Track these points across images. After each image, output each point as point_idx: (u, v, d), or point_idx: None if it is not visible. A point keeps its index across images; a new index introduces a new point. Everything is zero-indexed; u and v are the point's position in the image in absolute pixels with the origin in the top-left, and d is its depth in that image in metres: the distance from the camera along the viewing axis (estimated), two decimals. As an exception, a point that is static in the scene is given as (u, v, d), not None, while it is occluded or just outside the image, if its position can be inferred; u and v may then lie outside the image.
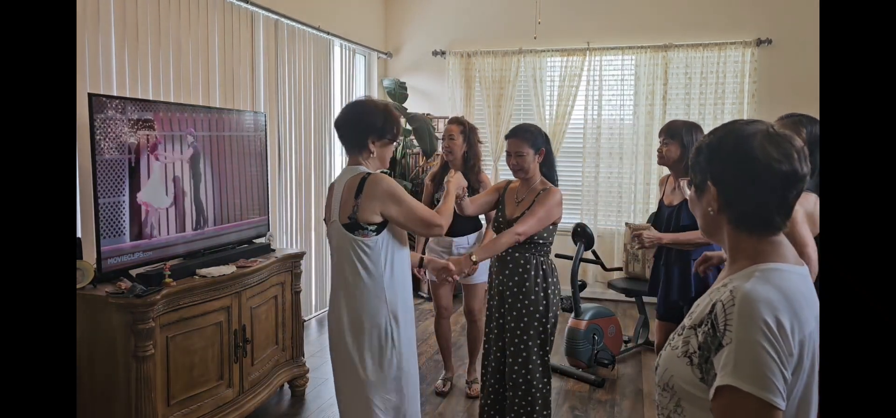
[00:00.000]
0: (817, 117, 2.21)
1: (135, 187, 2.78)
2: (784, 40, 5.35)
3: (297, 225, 4.87)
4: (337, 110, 5.47)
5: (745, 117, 4.74)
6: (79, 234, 2.91)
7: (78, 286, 2.61)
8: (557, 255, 3.69)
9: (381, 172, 2.24)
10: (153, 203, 2.88)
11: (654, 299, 3.29)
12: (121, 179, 2.71)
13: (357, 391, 2.22)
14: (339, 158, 5.59)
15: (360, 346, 2.20)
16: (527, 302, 2.72)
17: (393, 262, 2.22)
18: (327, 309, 2.35)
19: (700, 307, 1.14)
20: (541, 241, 2.72)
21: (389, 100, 5.87)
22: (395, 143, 2.31)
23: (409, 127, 5.74)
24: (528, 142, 2.70)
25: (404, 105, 5.97)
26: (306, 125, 4.96)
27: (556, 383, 3.96)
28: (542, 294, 2.72)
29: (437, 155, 5.87)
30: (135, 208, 2.78)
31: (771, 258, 1.11)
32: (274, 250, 3.61)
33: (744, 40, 5.41)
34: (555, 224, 2.73)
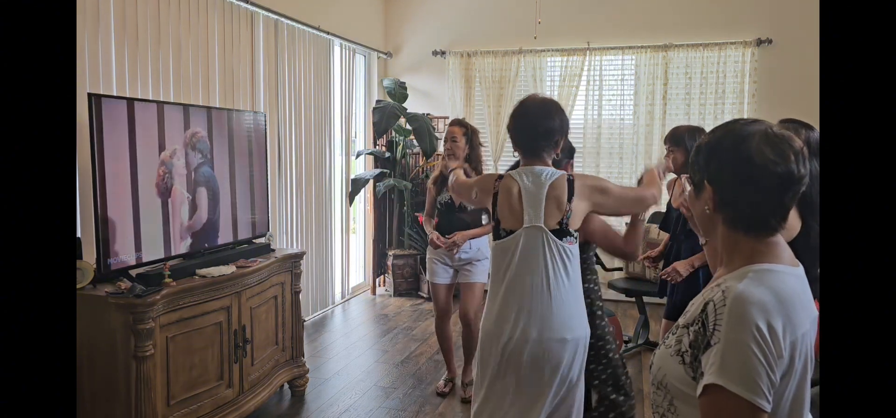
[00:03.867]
0: (815, 120, 2.21)
1: (134, 187, 2.78)
2: (784, 40, 5.35)
3: (297, 225, 4.88)
4: (337, 110, 5.49)
5: (745, 117, 4.73)
6: (79, 234, 2.91)
7: (78, 286, 2.61)
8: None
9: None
10: (152, 203, 2.88)
11: (655, 300, 3.30)
12: (120, 179, 2.71)
13: (560, 408, 2.12)
14: (339, 158, 5.60)
15: (561, 359, 2.06)
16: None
17: (580, 273, 2.14)
18: (489, 322, 2.14)
19: (694, 306, 1.14)
20: None
21: (389, 99, 5.88)
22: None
23: (408, 127, 5.74)
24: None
25: (404, 105, 5.97)
26: (306, 125, 4.96)
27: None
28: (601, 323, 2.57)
29: (438, 155, 5.88)
30: (133, 208, 2.78)
31: (766, 258, 1.10)
32: (274, 250, 3.61)
33: (744, 40, 5.41)
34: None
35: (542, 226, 2.04)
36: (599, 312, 2.61)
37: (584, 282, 2.42)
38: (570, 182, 2.04)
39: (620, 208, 2.17)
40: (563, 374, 2.08)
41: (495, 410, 2.12)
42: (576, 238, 2.08)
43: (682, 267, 2.84)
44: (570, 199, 2.03)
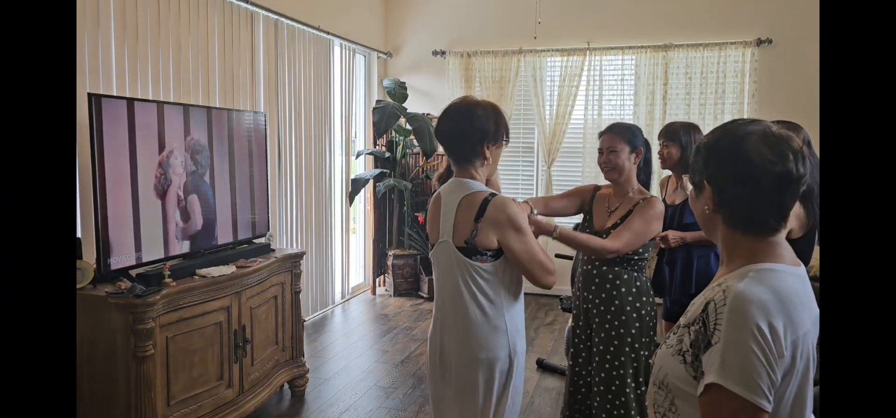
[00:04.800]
0: (815, 120, 2.23)
1: (134, 187, 2.78)
2: (784, 40, 5.35)
3: (297, 225, 4.88)
4: (337, 110, 5.49)
5: (745, 117, 4.71)
6: (79, 234, 2.91)
7: (78, 286, 2.61)
8: (557, 255, 3.69)
9: (502, 195, 1.97)
10: (152, 203, 2.88)
11: (655, 299, 3.30)
12: (120, 179, 2.71)
13: None
14: (339, 158, 5.60)
15: (473, 379, 1.94)
16: (617, 323, 2.38)
17: (512, 287, 1.98)
18: (428, 330, 2.15)
19: (694, 306, 1.14)
20: (635, 257, 2.37)
21: (389, 99, 5.88)
22: (506, 143, 2.06)
23: (408, 127, 5.74)
24: (624, 138, 2.38)
25: (404, 105, 5.97)
26: (306, 125, 4.96)
27: (555, 383, 3.96)
28: (635, 315, 2.38)
29: (438, 155, 5.87)
30: (133, 208, 2.78)
31: (766, 258, 1.10)
32: (274, 250, 3.61)
33: (744, 40, 5.41)
34: (653, 238, 2.39)
35: (449, 241, 1.95)
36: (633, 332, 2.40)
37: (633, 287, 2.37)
38: (484, 203, 1.90)
39: (521, 259, 1.92)
40: (472, 395, 1.95)
41: (434, 403, 2.10)
42: (490, 256, 1.92)
43: (673, 237, 2.92)
44: (477, 218, 1.90)
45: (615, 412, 2.40)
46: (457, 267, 1.94)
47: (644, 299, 2.40)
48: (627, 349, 2.38)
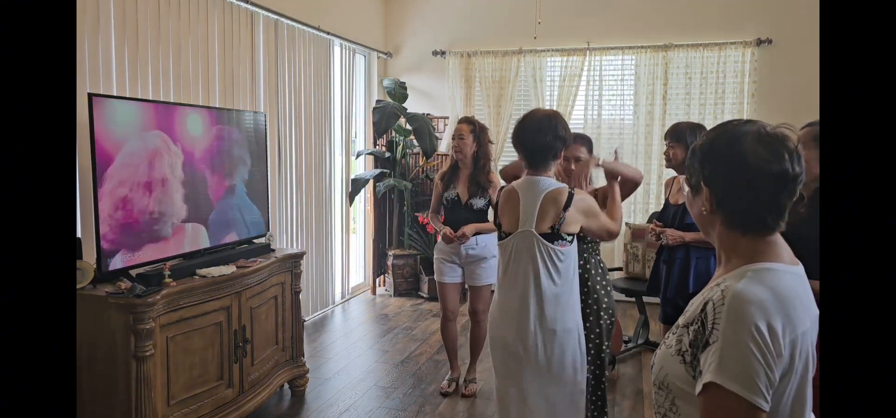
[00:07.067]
0: (815, 120, 2.23)
1: (135, 187, 2.78)
2: (784, 40, 5.35)
3: (297, 225, 4.88)
4: (337, 110, 5.49)
5: (745, 117, 4.68)
6: (79, 234, 2.91)
7: (78, 286, 2.61)
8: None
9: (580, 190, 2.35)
10: (152, 203, 2.88)
11: (655, 300, 3.31)
12: (120, 178, 2.71)
13: (552, 395, 2.29)
14: (339, 158, 5.60)
15: (552, 352, 2.26)
16: (589, 301, 2.69)
17: (574, 270, 2.33)
18: (493, 317, 2.41)
19: (693, 306, 1.14)
20: (590, 239, 2.69)
21: (389, 99, 5.88)
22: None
23: (408, 127, 5.74)
24: (587, 145, 2.79)
25: (404, 105, 5.97)
26: (306, 125, 4.96)
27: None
28: (603, 292, 2.73)
29: (438, 155, 5.88)
30: (134, 208, 2.78)
31: (765, 258, 1.10)
32: (274, 250, 3.61)
33: (744, 40, 5.41)
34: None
35: (533, 230, 2.25)
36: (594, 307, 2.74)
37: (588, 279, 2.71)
38: (570, 196, 2.24)
39: (599, 233, 2.37)
40: (554, 365, 2.27)
41: (504, 396, 2.37)
42: (568, 240, 2.26)
43: (672, 235, 3.00)
44: (565, 208, 2.23)
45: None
46: (538, 250, 2.24)
47: (608, 277, 2.78)
48: (596, 320, 2.69)
